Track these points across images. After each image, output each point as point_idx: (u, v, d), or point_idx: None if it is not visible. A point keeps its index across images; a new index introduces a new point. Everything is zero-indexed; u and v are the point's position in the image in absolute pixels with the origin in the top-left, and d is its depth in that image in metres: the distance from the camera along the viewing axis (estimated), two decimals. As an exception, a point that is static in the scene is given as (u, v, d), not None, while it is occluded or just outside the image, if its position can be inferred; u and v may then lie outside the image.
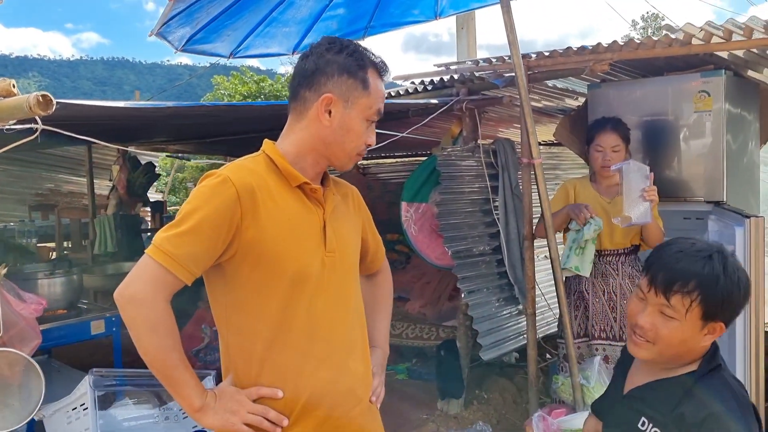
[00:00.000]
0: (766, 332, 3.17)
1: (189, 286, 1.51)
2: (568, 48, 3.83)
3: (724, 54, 3.71)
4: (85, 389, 2.84)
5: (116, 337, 3.93)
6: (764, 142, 4.48)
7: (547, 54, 3.89)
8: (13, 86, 1.99)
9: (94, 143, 2.52)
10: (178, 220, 1.49)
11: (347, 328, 1.66)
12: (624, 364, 1.64)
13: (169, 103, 2.95)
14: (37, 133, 2.04)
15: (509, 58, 4.18)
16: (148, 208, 9.19)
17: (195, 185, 1.60)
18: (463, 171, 4.35)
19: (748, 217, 3.08)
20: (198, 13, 3.32)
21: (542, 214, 3.39)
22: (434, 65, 4.70)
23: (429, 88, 4.58)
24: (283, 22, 3.81)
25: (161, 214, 9.09)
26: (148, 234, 8.19)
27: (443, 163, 4.20)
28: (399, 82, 5.13)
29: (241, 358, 1.58)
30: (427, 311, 5.69)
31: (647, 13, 36.30)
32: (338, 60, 1.56)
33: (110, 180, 7.91)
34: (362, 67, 1.57)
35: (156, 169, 8.39)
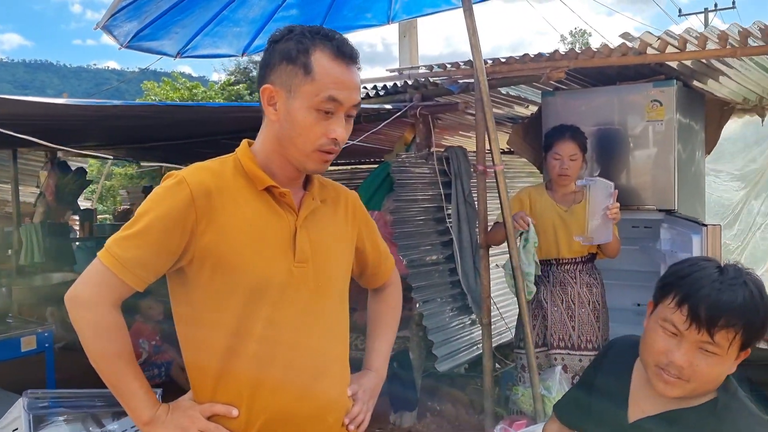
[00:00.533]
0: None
1: (127, 299, 1.43)
2: (525, 55, 3.82)
3: (674, 64, 3.77)
4: (18, 412, 2.61)
5: (49, 354, 3.67)
6: (708, 152, 4.59)
7: (503, 60, 3.86)
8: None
9: (41, 144, 2.31)
10: (130, 222, 1.40)
11: (318, 347, 1.51)
12: (622, 381, 1.51)
13: (117, 102, 2.75)
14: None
15: (464, 64, 4.15)
16: (77, 217, 8.77)
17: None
18: (416, 178, 4.26)
19: (705, 225, 3.11)
20: (147, 6, 3.12)
21: (503, 222, 3.33)
22: (387, 70, 4.62)
23: (381, 93, 4.48)
24: (234, 22, 3.65)
25: (91, 222, 8.74)
26: (77, 243, 7.81)
27: (397, 169, 4.10)
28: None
29: (197, 372, 1.46)
30: (376, 321, 5.58)
31: (576, 28, 37.71)
32: (279, 47, 1.43)
33: (37, 186, 7.51)
34: (303, 51, 1.41)
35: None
